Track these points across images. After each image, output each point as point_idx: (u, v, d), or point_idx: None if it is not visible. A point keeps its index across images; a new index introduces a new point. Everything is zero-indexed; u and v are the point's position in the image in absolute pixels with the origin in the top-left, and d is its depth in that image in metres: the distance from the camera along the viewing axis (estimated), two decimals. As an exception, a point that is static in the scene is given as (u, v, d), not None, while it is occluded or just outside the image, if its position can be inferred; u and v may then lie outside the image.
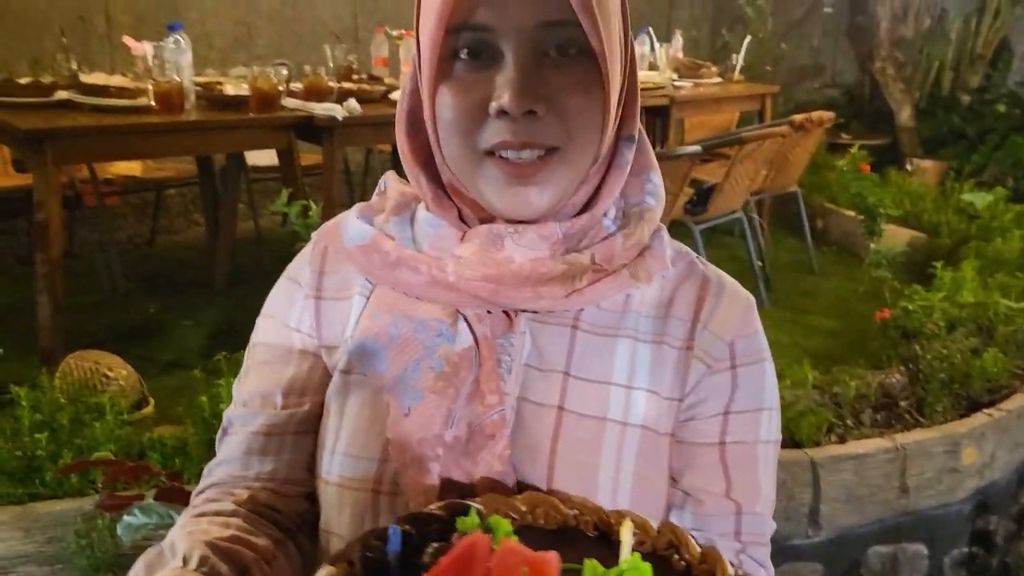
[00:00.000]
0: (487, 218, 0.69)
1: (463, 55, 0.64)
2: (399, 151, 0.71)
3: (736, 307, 0.73)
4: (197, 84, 2.87)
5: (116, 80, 2.77)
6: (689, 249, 0.76)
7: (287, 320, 0.76)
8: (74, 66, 3.00)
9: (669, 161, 2.85)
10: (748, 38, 4.64)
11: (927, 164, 5.39)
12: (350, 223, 0.74)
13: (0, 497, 1.71)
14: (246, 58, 4.62)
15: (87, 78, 2.75)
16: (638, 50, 4.29)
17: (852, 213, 4.23)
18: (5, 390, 2.01)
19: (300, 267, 0.78)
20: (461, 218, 0.70)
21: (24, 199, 2.83)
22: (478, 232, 0.68)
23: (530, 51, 0.62)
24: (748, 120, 4.78)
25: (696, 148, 2.93)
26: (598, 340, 0.70)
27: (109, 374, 2.12)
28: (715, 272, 0.75)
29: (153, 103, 2.62)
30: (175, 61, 2.71)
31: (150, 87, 2.64)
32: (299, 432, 0.74)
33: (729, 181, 3.32)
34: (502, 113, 0.61)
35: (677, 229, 3.40)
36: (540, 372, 0.69)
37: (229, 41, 4.55)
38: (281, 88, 2.89)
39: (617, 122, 0.68)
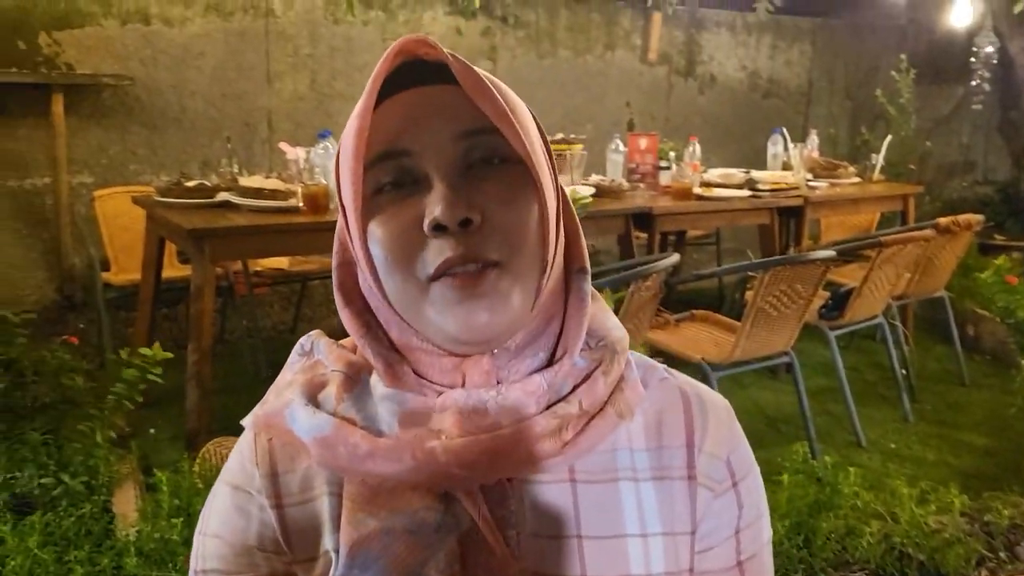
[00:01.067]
0: (447, 368, 0.62)
1: (387, 188, 0.60)
2: (345, 326, 0.65)
3: (722, 419, 0.71)
4: (342, 186, 3.08)
5: (270, 183, 3.00)
6: (647, 358, 0.73)
7: (245, 539, 0.65)
8: (236, 169, 3.28)
9: (801, 265, 2.77)
10: (889, 137, 4.52)
11: (1094, 267, 4.98)
12: (296, 411, 0.63)
13: (137, 578, 1.81)
14: (390, 158, 4.92)
15: (245, 181, 3.00)
16: (770, 149, 4.35)
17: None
18: (153, 472, 2.16)
19: (245, 471, 0.66)
20: (419, 374, 0.63)
21: (187, 288, 3.08)
22: (454, 400, 0.60)
23: (455, 165, 0.59)
24: (890, 220, 4.61)
25: (830, 252, 2.83)
26: (599, 489, 0.65)
27: (244, 461, 2.22)
28: (687, 382, 0.72)
29: (301, 204, 2.82)
30: (323, 165, 2.93)
31: (299, 190, 2.84)
32: None
33: (868, 285, 3.19)
34: (438, 229, 0.57)
35: (806, 331, 3.28)
36: (551, 541, 0.63)
37: (375, 143, 4.86)
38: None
39: (557, 245, 0.63)
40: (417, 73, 0.60)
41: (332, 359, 0.66)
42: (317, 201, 2.83)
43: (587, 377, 0.64)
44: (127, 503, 2.21)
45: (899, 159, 5.34)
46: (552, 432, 0.60)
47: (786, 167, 4.22)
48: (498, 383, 0.61)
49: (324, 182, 2.88)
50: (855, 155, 5.70)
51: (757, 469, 0.72)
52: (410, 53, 0.58)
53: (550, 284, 0.62)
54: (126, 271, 3.48)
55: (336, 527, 0.62)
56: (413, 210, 0.59)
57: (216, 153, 4.13)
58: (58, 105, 3.81)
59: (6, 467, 2.02)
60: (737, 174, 3.97)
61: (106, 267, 3.55)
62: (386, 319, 0.63)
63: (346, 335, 0.67)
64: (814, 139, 4.48)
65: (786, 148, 4.24)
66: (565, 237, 0.65)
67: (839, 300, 3.25)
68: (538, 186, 0.60)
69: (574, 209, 0.67)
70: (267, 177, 3.36)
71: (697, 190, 3.62)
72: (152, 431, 2.98)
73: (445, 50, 0.57)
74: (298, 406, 0.63)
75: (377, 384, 0.63)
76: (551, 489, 0.64)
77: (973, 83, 5.54)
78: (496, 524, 0.60)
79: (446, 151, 0.59)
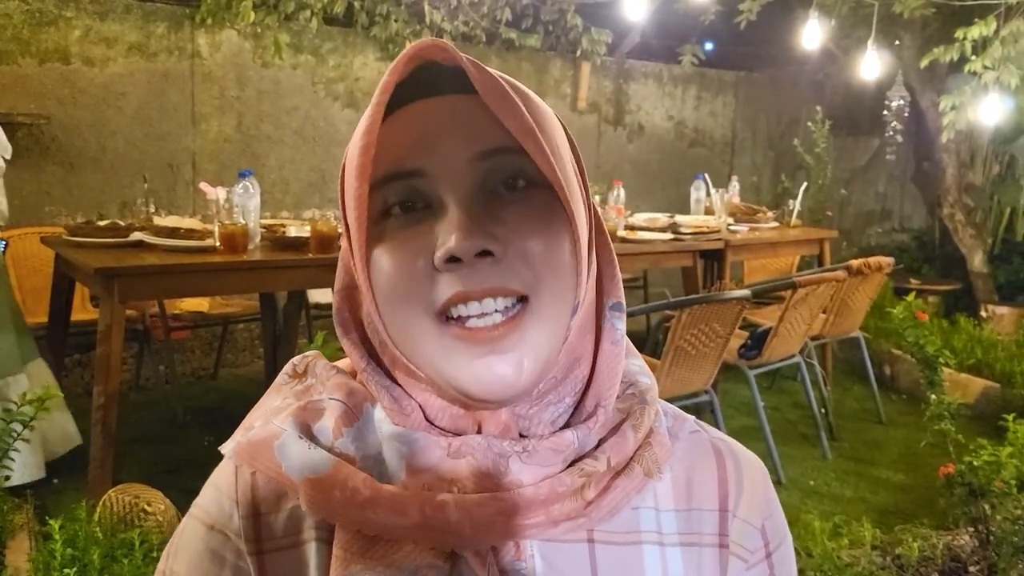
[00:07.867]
0: (458, 415, 0.55)
1: (394, 211, 0.53)
2: (348, 355, 0.59)
3: (757, 481, 0.64)
4: (263, 226, 3.04)
5: (187, 222, 2.94)
6: (674, 407, 0.66)
7: None
8: (152, 209, 3.21)
9: (718, 304, 2.82)
10: (804, 184, 4.68)
11: (1003, 311, 5.21)
12: (288, 444, 0.56)
13: (21, 631, 1.70)
14: (319, 201, 4.88)
15: (161, 220, 2.93)
16: (693, 195, 4.46)
17: (920, 360, 4.09)
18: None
19: (223, 510, 0.58)
20: (427, 418, 0.56)
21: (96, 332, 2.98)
22: (471, 447, 0.53)
23: (472, 189, 0.52)
24: (810, 264, 4.75)
25: (745, 292, 2.90)
26: (621, 553, 0.58)
27: (148, 509, 2.13)
28: (719, 437, 0.66)
29: (218, 244, 2.77)
30: (243, 205, 2.88)
31: (216, 229, 2.79)
32: None
33: (784, 325, 3.26)
34: (451, 261, 0.50)
35: (730, 372, 3.33)
36: None
37: (304, 186, 4.83)
38: (340, 230, 3.02)
39: (589, 277, 0.56)
40: (432, 82, 0.53)
41: (330, 386, 0.59)
42: (235, 240, 2.78)
43: (615, 430, 0.57)
44: (20, 555, 2.09)
45: (817, 206, 5.54)
46: (575, 491, 0.54)
47: (708, 212, 4.33)
48: (521, 436, 0.55)
49: (243, 221, 2.83)
50: (777, 202, 5.87)
51: (790, 538, 0.66)
52: (425, 58, 0.51)
53: (578, 322, 0.55)
54: (35, 315, 3.35)
55: None
56: (424, 239, 0.52)
57: (136, 194, 4.04)
58: (-31, 144, 3.69)
59: None
60: (661, 218, 4.06)
61: (14, 310, 3.41)
62: (390, 359, 0.56)
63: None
64: (735, 185, 4.61)
65: (708, 193, 4.35)
66: (598, 267, 0.58)
67: (757, 340, 3.31)
68: (568, 211, 0.53)
69: (608, 235, 0.60)
70: (188, 218, 3.30)
71: (621, 233, 3.67)
72: (55, 481, 2.85)
73: (463, 56, 0.50)
74: (291, 439, 0.55)
75: (383, 421, 0.56)
76: (567, 550, 0.56)
77: (887, 135, 5.79)
78: None
79: (462, 173, 0.52)
